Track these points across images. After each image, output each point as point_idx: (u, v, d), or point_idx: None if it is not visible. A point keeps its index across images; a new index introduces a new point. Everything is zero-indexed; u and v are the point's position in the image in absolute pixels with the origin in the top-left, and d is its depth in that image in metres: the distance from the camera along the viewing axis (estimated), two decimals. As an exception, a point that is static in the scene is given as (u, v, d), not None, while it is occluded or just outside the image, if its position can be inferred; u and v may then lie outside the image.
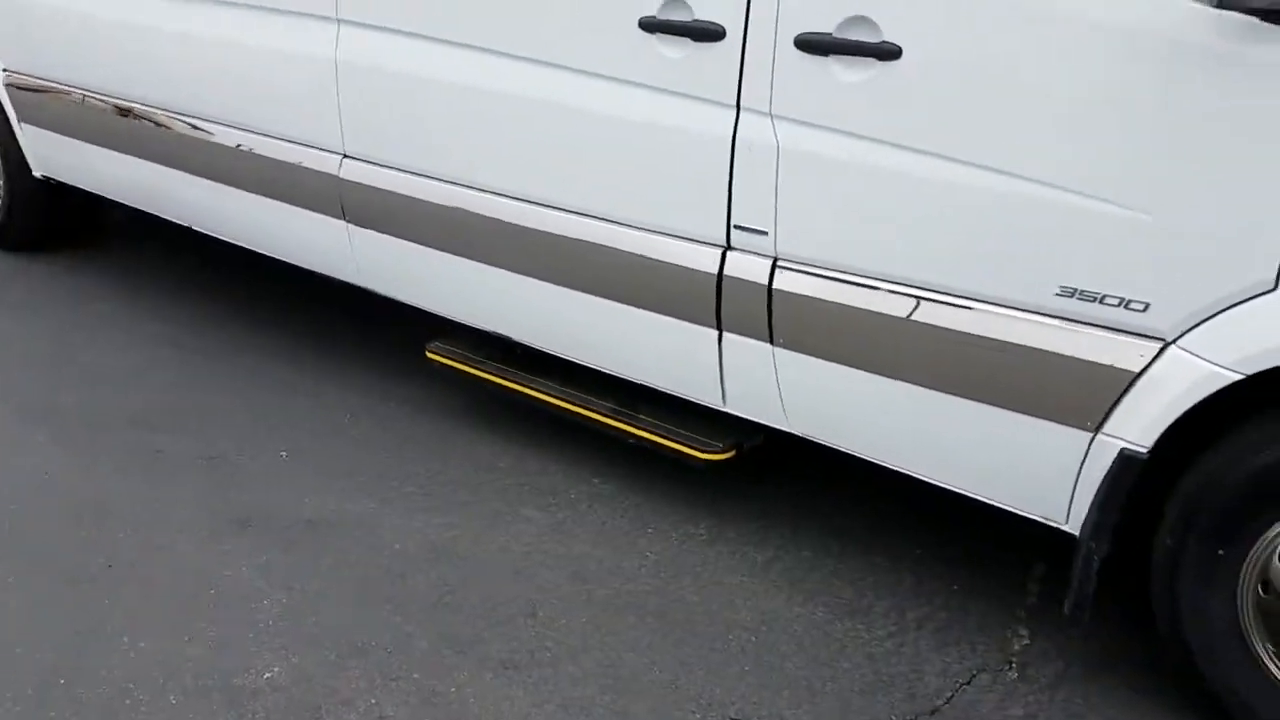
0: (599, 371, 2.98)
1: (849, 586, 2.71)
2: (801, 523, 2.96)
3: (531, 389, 3.13)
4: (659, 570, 2.76)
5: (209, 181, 3.72)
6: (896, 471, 2.54)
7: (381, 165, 3.20)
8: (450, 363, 3.30)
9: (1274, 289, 1.94)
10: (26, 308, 4.25)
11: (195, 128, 3.67)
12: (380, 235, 3.28)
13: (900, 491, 2.67)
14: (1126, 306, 2.09)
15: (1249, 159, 1.93)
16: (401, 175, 3.15)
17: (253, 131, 3.50)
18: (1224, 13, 1.86)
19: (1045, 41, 2.08)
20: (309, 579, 2.69)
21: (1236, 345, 2.00)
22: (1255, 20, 1.85)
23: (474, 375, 3.25)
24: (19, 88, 4.34)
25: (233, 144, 3.57)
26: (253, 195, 3.59)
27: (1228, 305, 2.00)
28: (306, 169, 3.37)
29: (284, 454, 3.26)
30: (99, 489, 3.05)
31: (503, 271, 3.02)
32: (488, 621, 2.55)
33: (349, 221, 3.34)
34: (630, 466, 3.15)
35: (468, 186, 3.01)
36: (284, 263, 3.71)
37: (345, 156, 3.28)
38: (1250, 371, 1.99)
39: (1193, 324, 2.04)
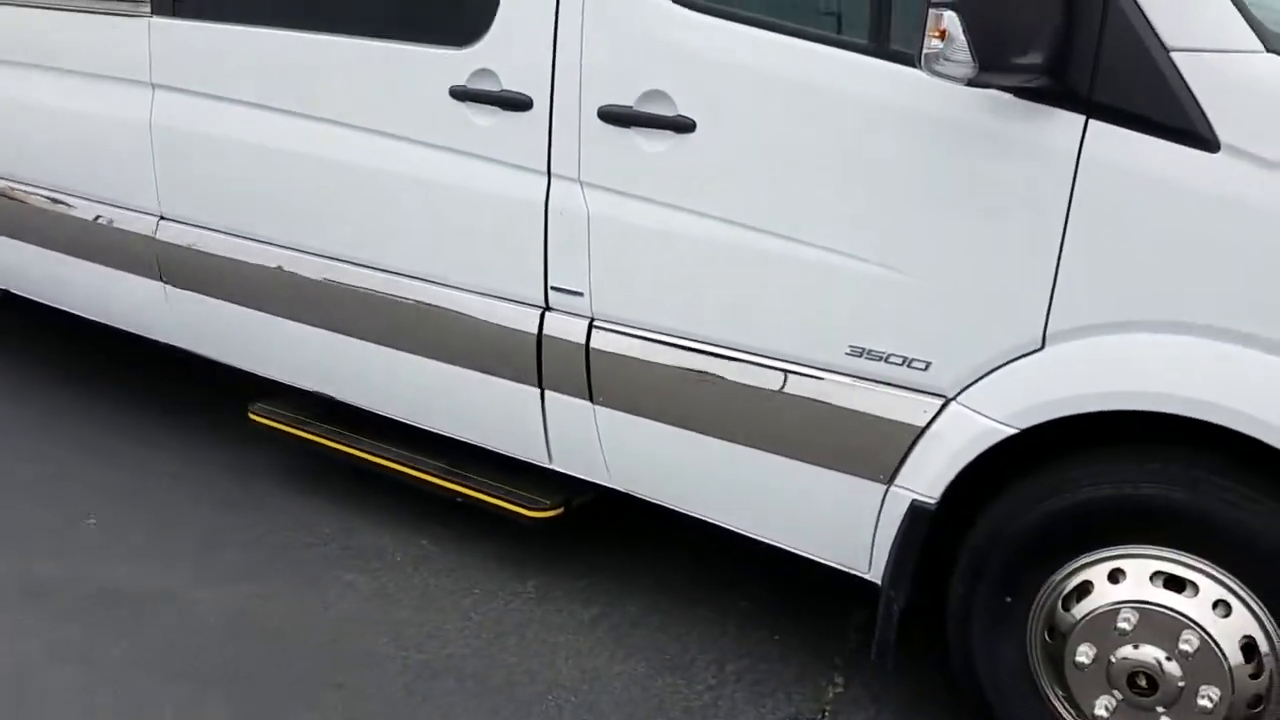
0: (430, 431, 2.95)
1: (673, 641, 2.73)
2: (630, 578, 2.97)
3: (359, 450, 3.08)
4: (482, 632, 2.73)
5: (21, 243, 3.61)
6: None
7: (196, 226, 3.16)
8: (274, 424, 3.22)
9: (1041, 348, 2.07)
10: None
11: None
12: (197, 296, 3.22)
13: (730, 546, 2.70)
14: (909, 365, 2.19)
15: (1009, 226, 2.06)
16: (217, 236, 3.12)
17: (74, 195, 3.43)
18: (980, 90, 1.98)
19: (823, 118, 2.19)
20: (106, 651, 2.58)
21: (1009, 401, 2.12)
22: (1008, 96, 1.99)
23: (300, 437, 3.18)
24: None
25: (55, 207, 3.47)
26: (72, 257, 3.49)
27: (1000, 364, 2.12)
28: (123, 230, 3.30)
29: (92, 521, 3.12)
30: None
31: (324, 332, 2.98)
32: (292, 693, 2.48)
33: (165, 283, 3.28)
34: (461, 526, 3.12)
35: (285, 247, 2.99)
36: (103, 325, 3.59)
37: (161, 218, 3.24)
38: (1022, 426, 2.11)
39: (970, 381, 2.15)
